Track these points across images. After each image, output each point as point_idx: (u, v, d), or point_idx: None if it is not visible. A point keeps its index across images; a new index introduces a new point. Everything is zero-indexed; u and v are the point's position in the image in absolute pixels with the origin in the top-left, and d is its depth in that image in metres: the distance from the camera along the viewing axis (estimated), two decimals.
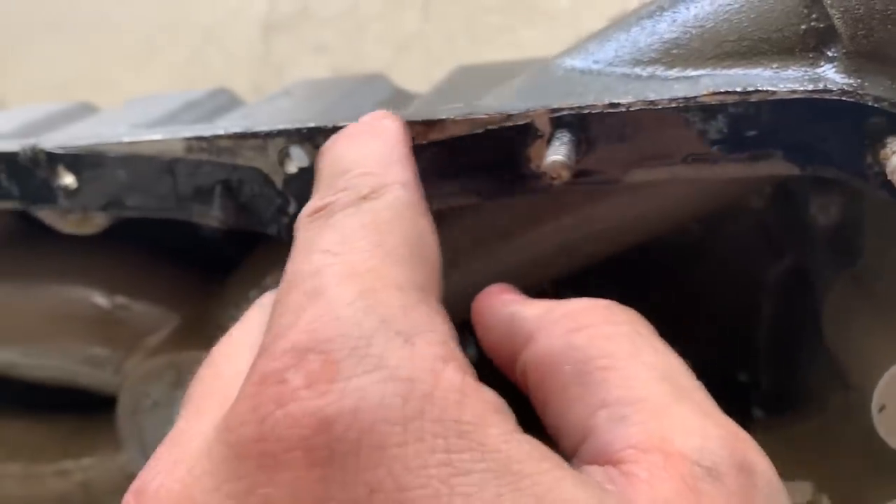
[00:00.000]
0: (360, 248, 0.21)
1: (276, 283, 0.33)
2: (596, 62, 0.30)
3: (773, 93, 0.26)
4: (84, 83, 1.03)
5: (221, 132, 0.32)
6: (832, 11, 0.26)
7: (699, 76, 0.28)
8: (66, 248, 0.41)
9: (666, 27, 0.29)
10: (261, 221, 0.33)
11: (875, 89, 0.25)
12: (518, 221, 0.36)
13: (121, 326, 0.43)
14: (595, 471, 0.19)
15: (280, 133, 0.31)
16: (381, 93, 0.44)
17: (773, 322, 0.43)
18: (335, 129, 0.30)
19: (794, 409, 0.40)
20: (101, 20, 1.07)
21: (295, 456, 0.17)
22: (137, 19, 1.06)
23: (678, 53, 0.29)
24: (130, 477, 0.47)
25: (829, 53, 0.26)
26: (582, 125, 0.28)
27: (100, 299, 0.43)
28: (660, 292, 0.45)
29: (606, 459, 0.19)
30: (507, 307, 0.25)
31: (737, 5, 0.28)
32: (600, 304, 0.23)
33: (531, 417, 0.22)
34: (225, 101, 0.46)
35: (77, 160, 0.34)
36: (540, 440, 0.19)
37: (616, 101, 0.27)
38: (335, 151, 0.26)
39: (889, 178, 0.25)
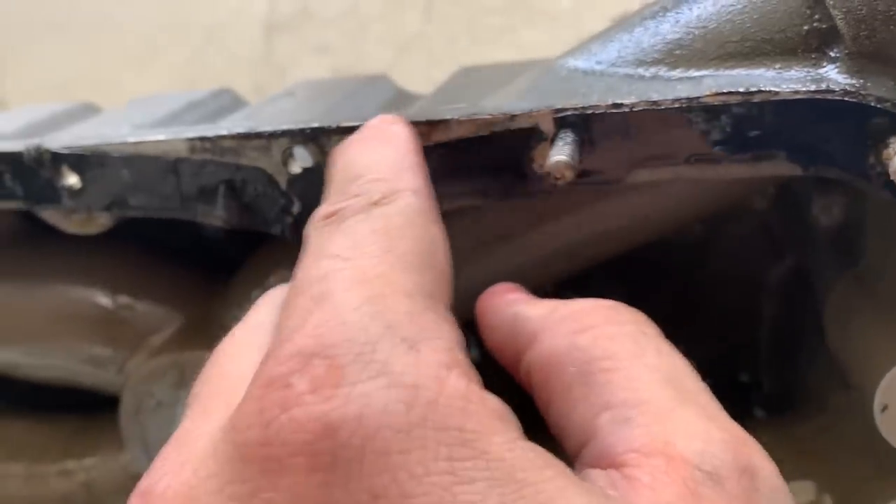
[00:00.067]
0: (369, 253, 0.21)
1: (279, 283, 0.33)
2: (599, 63, 0.30)
3: (776, 93, 0.26)
4: (85, 83, 1.03)
5: (225, 132, 0.32)
6: (835, 12, 0.26)
7: (702, 77, 0.28)
8: (69, 247, 0.41)
9: (669, 28, 0.29)
10: (264, 221, 0.33)
11: (878, 90, 0.25)
12: (520, 222, 0.36)
13: (124, 326, 0.43)
14: (598, 475, 0.19)
15: (284, 133, 0.31)
16: (383, 94, 0.44)
17: (775, 322, 0.43)
18: (339, 130, 0.30)
19: (795, 410, 0.40)
20: (103, 20, 1.07)
21: (298, 461, 0.17)
22: (139, 19, 1.06)
23: (681, 54, 0.29)
24: (133, 477, 0.47)
25: (832, 54, 0.27)
26: (585, 125, 0.28)
27: (103, 299, 0.43)
28: (661, 293, 0.45)
29: (609, 462, 0.19)
30: (511, 307, 0.25)
31: (739, 6, 0.28)
32: (605, 304, 0.23)
33: (534, 417, 0.22)
34: (228, 101, 0.46)
35: (81, 160, 0.34)
36: (542, 440, 0.19)
37: (619, 101, 0.27)
38: (347, 156, 0.26)
39: (892, 178, 0.25)
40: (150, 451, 0.43)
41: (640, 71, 0.29)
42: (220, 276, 0.44)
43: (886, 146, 0.25)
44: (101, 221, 0.36)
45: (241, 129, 0.32)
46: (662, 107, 0.27)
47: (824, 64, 0.27)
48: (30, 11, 1.11)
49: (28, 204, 0.36)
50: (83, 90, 0.96)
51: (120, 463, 0.45)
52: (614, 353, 0.21)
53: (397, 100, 0.44)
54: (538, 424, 0.22)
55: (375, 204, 0.23)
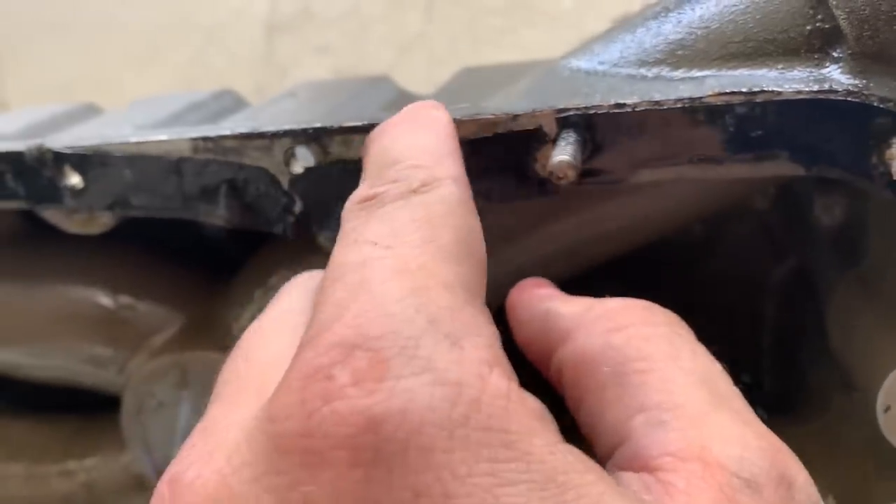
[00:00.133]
0: (410, 242, 0.20)
1: (281, 283, 0.33)
2: (601, 63, 0.30)
3: (779, 93, 0.26)
4: (86, 84, 1.04)
5: (228, 132, 0.32)
6: (838, 12, 0.26)
7: (704, 77, 0.28)
8: (71, 247, 0.41)
9: (671, 28, 0.29)
10: (266, 221, 0.33)
11: (881, 90, 0.25)
12: (522, 223, 0.36)
13: (125, 326, 0.43)
14: (631, 478, 0.19)
15: (286, 133, 0.31)
16: (385, 95, 0.44)
17: (777, 323, 0.43)
18: (341, 130, 0.31)
19: (797, 411, 0.40)
20: (104, 21, 1.07)
21: (339, 455, 0.17)
22: (140, 20, 1.06)
23: (683, 54, 0.29)
24: (135, 477, 0.47)
25: (835, 54, 0.27)
26: (588, 125, 0.28)
27: (104, 299, 0.43)
28: (662, 293, 0.45)
29: (643, 465, 0.19)
30: (543, 303, 0.25)
31: (742, 6, 0.28)
32: (639, 304, 0.23)
33: (559, 414, 0.22)
34: (230, 102, 0.46)
35: (83, 160, 0.34)
36: (570, 437, 0.19)
37: (622, 101, 0.27)
38: (385, 140, 0.25)
39: (894, 178, 0.25)
40: (151, 452, 0.43)
41: (643, 71, 0.29)
42: (221, 275, 0.44)
43: (889, 146, 0.25)
44: (103, 221, 0.36)
45: (243, 129, 0.32)
46: (665, 107, 0.27)
47: (827, 64, 0.27)
48: (31, 12, 1.12)
49: (30, 204, 0.36)
50: (84, 91, 0.96)
51: (121, 463, 0.45)
52: (649, 354, 0.21)
53: (399, 100, 0.44)
54: (564, 422, 0.22)
55: (415, 191, 0.22)
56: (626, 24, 0.31)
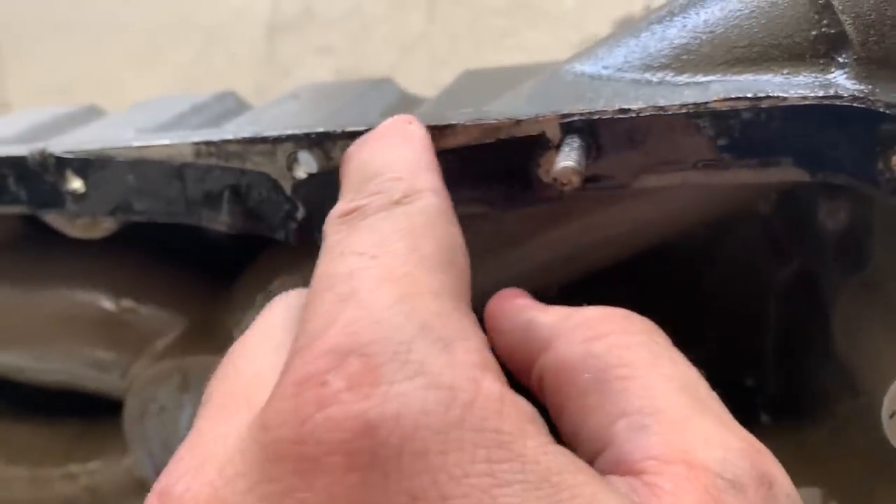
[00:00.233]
0: (395, 252, 0.21)
1: (283, 288, 0.33)
2: (605, 67, 0.30)
3: (784, 99, 0.26)
4: (88, 84, 1.03)
5: (230, 137, 0.32)
6: (843, 17, 0.26)
7: (709, 82, 0.28)
8: (73, 251, 0.41)
9: (676, 32, 0.29)
10: (269, 227, 0.33)
11: (886, 95, 0.25)
12: (525, 228, 0.36)
13: (127, 330, 0.43)
14: (618, 481, 0.19)
15: (289, 138, 0.31)
16: (388, 97, 0.44)
17: (780, 327, 0.43)
18: (344, 135, 0.30)
19: (801, 415, 0.40)
20: (105, 21, 1.07)
21: (335, 460, 0.17)
22: (141, 20, 1.06)
23: (688, 59, 0.29)
24: (137, 481, 0.47)
25: (840, 59, 0.26)
26: (592, 130, 0.28)
27: (106, 303, 0.43)
28: (666, 297, 0.45)
29: (627, 469, 0.19)
30: (523, 312, 0.25)
31: (747, 11, 0.28)
32: (617, 312, 0.23)
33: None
34: (232, 104, 0.46)
35: (85, 164, 0.34)
36: None
37: (626, 106, 0.27)
38: (363, 155, 0.26)
39: None
40: (153, 456, 0.43)
41: (647, 76, 0.29)
42: (223, 280, 0.44)
43: (895, 152, 0.25)
44: (106, 226, 0.36)
45: (246, 134, 0.32)
46: (670, 112, 0.27)
47: (833, 69, 0.26)
48: (32, 12, 1.11)
49: (32, 208, 0.36)
50: (85, 91, 0.96)
51: (123, 467, 0.45)
52: (630, 361, 0.22)
53: (402, 103, 0.44)
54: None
55: (397, 202, 0.22)
56: (630, 28, 0.31)
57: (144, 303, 0.43)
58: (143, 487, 0.45)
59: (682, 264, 0.43)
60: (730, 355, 0.44)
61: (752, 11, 0.28)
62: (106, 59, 1.06)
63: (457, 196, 0.29)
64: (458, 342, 0.19)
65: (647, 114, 0.27)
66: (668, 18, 0.30)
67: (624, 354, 0.22)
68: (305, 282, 0.39)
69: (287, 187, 0.32)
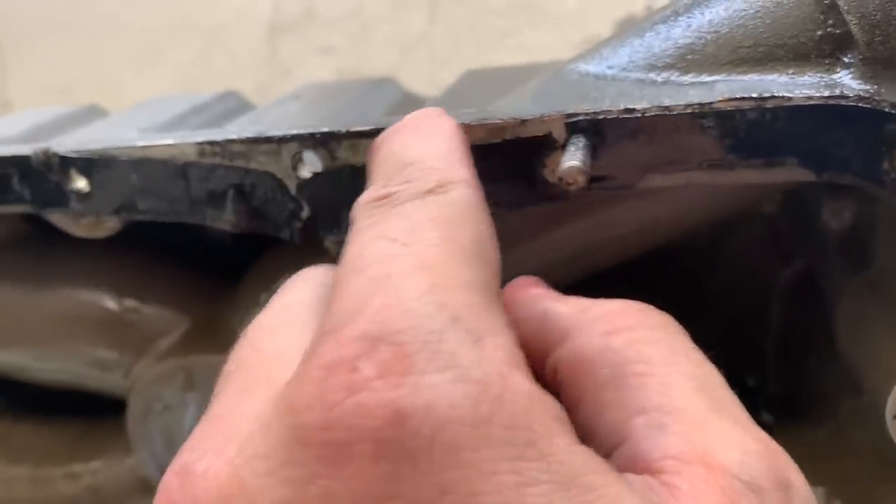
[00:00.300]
0: (428, 240, 0.20)
1: None
2: (610, 67, 0.30)
3: (789, 99, 0.26)
4: (89, 84, 1.03)
5: (234, 136, 0.32)
6: (849, 17, 0.26)
7: (714, 82, 0.28)
8: (76, 251, 0.41)
9: (681, 32, 0.29)
10: (273, 226, 0.33)
11: (892, 95, 0.25)
12: (530, 228, 0.36)
13: (130, 329, 0.43)
14: (634, 479, 0.19)
15: (294, 138, 0.31)
16: (390, 97, 0.44)
17: (783, 326, 0.43)
18: (349, 135, 0.30)
19: (804, 415, 0.40)
20: (106, 21, 1.07)
21: (363, 448, 0.17)
22: (142, 20, 1.06)
23: (693, 59, 0.29)
24: (140, 480, 0.47)
25: (846, 59, 0.26)
26: (597, 130, 0.28)
27: (109, 302, 0.43)
28: (669, 296, 0.44)
29: (644, 468, 0.19)
30: (538, 302, 0.25)
31: (752, 11, 0.28)
32: (637, 306, 0.23)
33: None
34: (234, 104, 0.46)
35: (90, 164, 0.34)
36: None
37: (631, 106, 0.27)
38: (394, 144, 0.25)
39: None
40: (157, 455, 0.43)
41: (652, 76, 0.29)
42: (226, 279, 0.44)
43: None
44: (110, 225, 0.36)
45: (250, 134, 0.32)
46: (675, 112, 0.27)
47: (838, 69, 0.26)
48: (33, 12, 1.11)
49: (36, 207, 0.36)
50: (86, 91, 0.96)
51: (126, 466, 0.45)
52: (649, 357, 0.21)
53: (404, 103, 0.44)
54: None
55: (430, 192, 0.22)
56: (634, 27, 0.31)
57: (148, 302, 0.43)
58: (146, 487, 0.45)
59: (686, 264, 0.43)
60: (732, 354, 0.44)
61: (757, 11, 0.28)
62: (106, 59, 1.06)
63: None
64: (488, 337, 0.18)
65: (652, 114, 0.27)
66: (672, 18, 0.30)
67: (643, 350, 0.21)
68: None
69: (292, 187, 0.32)
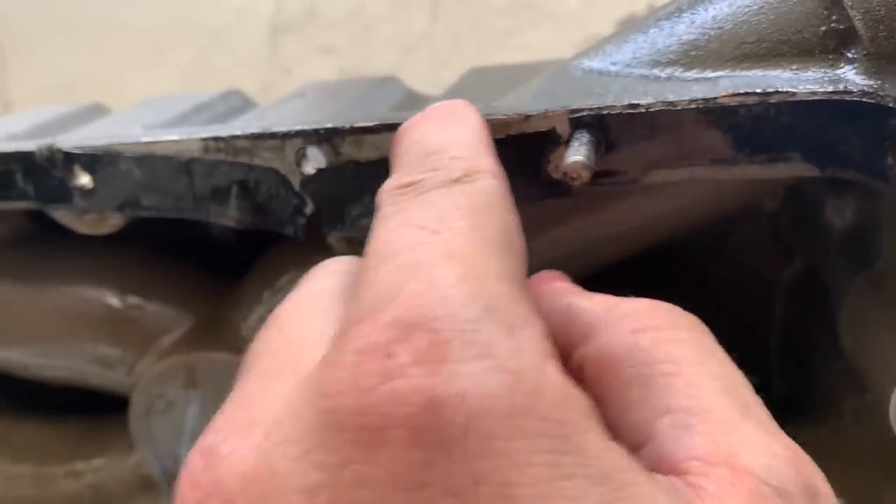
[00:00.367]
0: (457, 229, 0.20)
1: (293, 284, 0.33)
2: (614, 63, 0.30)
3: (793, 94, 0.26)
4: (90, 84, 1.03)
5: (239, 132, 0.32)
6: (853, 13, 0.26)
7: (718, 77, 0.28)
8: (79, 247, 0.41)
9: (684, 28, 0.29)
10: (277, 222, 0.33)
11: None
12: (534, 224, 0.36)
13: (133, 326, 0.43)
14: (661, 479, 0.19)
15: (298, 134, 0.31)
16: (394, 95, 0.44)
17: (785, 324, 0.43)
18: (353, 130, 0.30)
19: (807, 413, 0.40)
20: (108, 21, 1.07)
21: (398, 434, 0.17)
22: (144, 20, 1.06)
23: (697, 55, 0.29)
24: (142, 478, 0.47)
25: (850, 55, 0.26)
26: (601, 126, 0.28)
27: (112, 299, 0.43)
28: (671, 294, 0.44)
29: (670, 468, 0.19)
30: (562, 296, 0.24)
31: (756, 7, 0.28)
32: (663, 305, 0.23)
33: None
34: (237, 102, 0.46)
35: (93, 160, 0.34)
36: None
37: (636, 101, 0.27)
38: (419, 132, 0.25)
39: None
40: (159, 453, 0.43)
41: (656, 72, 0.29)
42: (230, 276, 0.44)
43: None
44: (113, 222, 0.36)
45: (254, 130, 0.32)
46: (679, 107, 0.27)
47: (842, 65, 0.26)
48: (34, 12, 1.12)
49: (40, 204, 0.36)
50: (87, 90, 0.96)
51: (129, 464, 0.45)
52: (676, 357, 0.21)
53: (408, 101, 0.44)
54: None
55: (456, 181, 0.22)
56: (637, 24, 0.31)
57: (151, 299, 0.43)
58: (148, 485, 0.45)
59: (688, 262, 0.43)
60: (734, 353, 0.44)
61: (761, 7, 0.28)
62: (107, 59, 1.06)
63: None
64: (522, 328, 0.18)
65: (657, 109, 0.27)
66: (676, 14, 0.30)
67: (671, 350, 0.21)
68: None
69: (296, 183, 0.32)
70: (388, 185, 0.23)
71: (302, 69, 0.96)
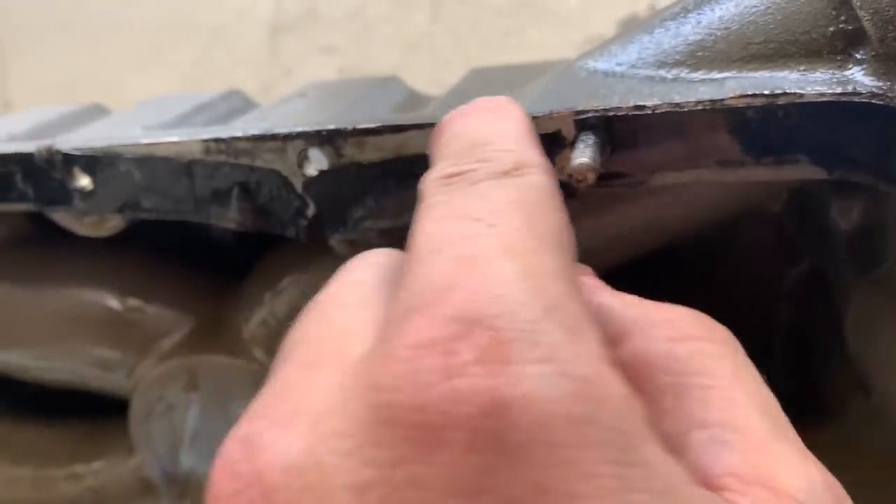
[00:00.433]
0: (513, 223, 0.19)
1: (294, 285, 0.32)
2: (619, 64, 0.30)
3: (801, 95, 0.26)
4: (90, 84, 1.03)
5: (240, 134, 0.32)
6: (861, 13, 0.26)
7: (725, 79, 0.28)
8: (79, 250, 0.41)
9: (690, 29, 0.29)
10: (279, 224, 0.33)
11: None
12: None
13: (133, 329, 0.43)
14: (711, 495, 0.18)
15: (299, 135, 0.31)
16: (395, 95, 0.44)
17: (791, 326, 0.43)
18: (355, 132, 0.30)
19: (813, 415, 0.40)
20: (108, 21, 1.07)
21: (457, 436, 0.16)
22: (144, 20, 1.06)
23: (703, 55, 0.28)
24: (142, 481, 0.46)
25: (858, 56, 0.26)
26: (607, 127, 0.27)
27: (112, 301, 0.43)
28: (675, 295, 0.44)
29: (705, 483, 0.18)
30: (593, 294, 0.23)
31: (763, 7, 0.28)
32: (700, 316, 0.22)
33: None
34: (238, 103, 0.46)
35: (93, 161, 0.34)
36: None
37: (642, 103, 0.27)
38: (464, 123, 0.24)
39: None
40: (159, 456, 0.42)
41: (662, 73, 0.29)
42: (230, 278, 0.43)
43: None
44: (113, 223, 0.36)
45: (256, 131, 0.32)
46: (685, 109, 0.27)
47: (850, 66, 0.26)
48: (35, 12, 1.11)
49: (39, 206, 0.36)
50: (87, 90, 0.96)
51: (129, 467, 0.45)
52: (712, 370, 0.20)
53: (410, 101, 0.44)
54: None
55: (506, 174, 0.21)
56: (642, 24, 0.31)
57: (151, 302, 0.43)
58: (148, 488, 0.45)
59: (692, 262, 0.43)
60: None
61: (769, 7, 0.28)
62: (108, 59, 1.06)
63: None
64: (583, 332, 0.17)
65: (663, 111, 0.27)
66: (682, 15, 0.29)
67: (707, 363, 0.20)
68: (317, 280, 0.39)
69: (298, 184, 0.31)
70: (432, 174, 0.22)
71: (302, 69, 0.96)
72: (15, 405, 0.48)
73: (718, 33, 0.28)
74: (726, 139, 0.27)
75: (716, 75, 0.28)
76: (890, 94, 0.25)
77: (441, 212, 0.20)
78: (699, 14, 0.29)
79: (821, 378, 0.41)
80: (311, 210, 0.32)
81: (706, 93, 0.27)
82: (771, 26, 0.28)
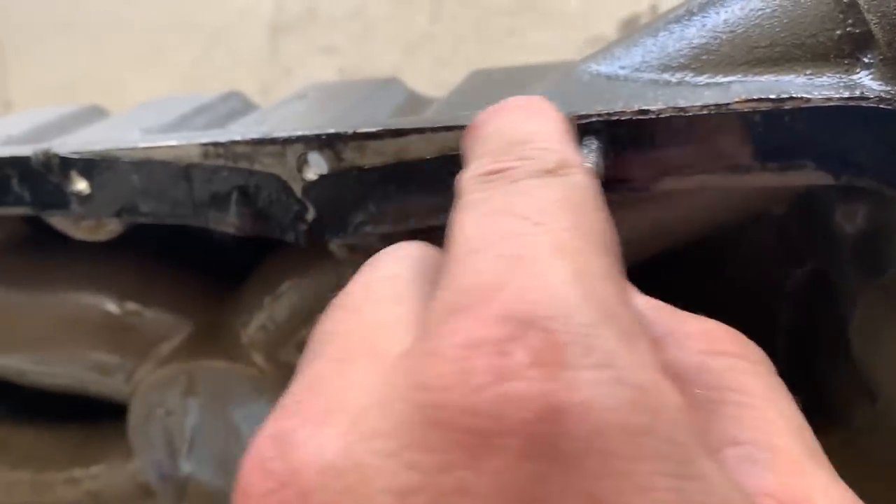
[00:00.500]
0: (561, 223, 0.18)
1: (294, 290, 0.32)
2: (623, 68, 0.29)
3: (808, 100, 0.26)
4: (90, 84, 1.03)
5: (239, 138, 0.31)
6: (869, 17, 0.26)
7: (730, 83, 0.27)
8: (77, 254, 0.40)
9: (695, 32, 0.29)
10: (278, 228, 0.32)
11: None
12: None
13: (132, 333, 0.42)
14: None
15: (299, 139, 0.30)
16: (396, 97, 0.43)
17: (794, 330, 0.42)
18: (355, 136, 0.30)
19: (816, 421, 0.39)
20: (108, 21, 1.07)
21: (511, 442, 0.15)
22: (144, 20, 1.05)
23: (708, 59, 0.28)
24: (141, 486, 0.46)
25: (866, 60, 0.26)
26: (610, 132, 0.27)
27: (111, 306, 0.43)
28: (677, 298, 0.44)
29: None
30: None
31: (769, 10, 0.27)
32: (732, 332, 0.22)
33: None
34: (237, 104, 0.46)
35: (90, 165, 0.34)
36: None
37: (646, 107, 0.27)
38: (500, 121, 0.23)
39: None
40: (158, 460, 0.42)
41: (666, 76, 0.28)
42: (229, 282, 0.43)
43: None
44: (111, 228, 0.35)
45: (255, 135, 0.31)
46: (690, 113, 0.26)
47: (857, 70, 0.26)
48: (35, 12, 1.11)
49: (36, 210, 0.36)
50: (88, 91, 0.95)
51: (127, 472, 0.45)
52: (746, 388, 0.20)
53: (410, 103, 0.43)
54: None
55: (550, 172, 0.20)
56: (646, 27, 0.31)
57: (149, 306, 0.42)
58: (146, 492, 0.45)
59: (695, 265, 0.42)
60: None
61: (774, 11, 0.27)
62: (108, 60, 1.06)
63: None
64: (639, 339, 0.17)
65: (667, 115, 0.26)
66: (686, 18, 0.29)
67: (741, 379, 0.20)
68: (316, 284, 0.39)
69: (297, 189, 0.31)
70: (470, 172, 0.21)
71: (302, 69, 0.96)
72: (14, 409, 0.48)
73: (723, 37, 0.28)
74: (731, 144, 0.27)
75: (721, 79, 0.28)
76: None
77: (481, 209, 0.19)
78: (704, 17, 0.29)
79: (826, 381, 0.40)
80: (310, 214, 0.31)
81: (711, 97, 0.27)
82: (777, 30, 0.27)
